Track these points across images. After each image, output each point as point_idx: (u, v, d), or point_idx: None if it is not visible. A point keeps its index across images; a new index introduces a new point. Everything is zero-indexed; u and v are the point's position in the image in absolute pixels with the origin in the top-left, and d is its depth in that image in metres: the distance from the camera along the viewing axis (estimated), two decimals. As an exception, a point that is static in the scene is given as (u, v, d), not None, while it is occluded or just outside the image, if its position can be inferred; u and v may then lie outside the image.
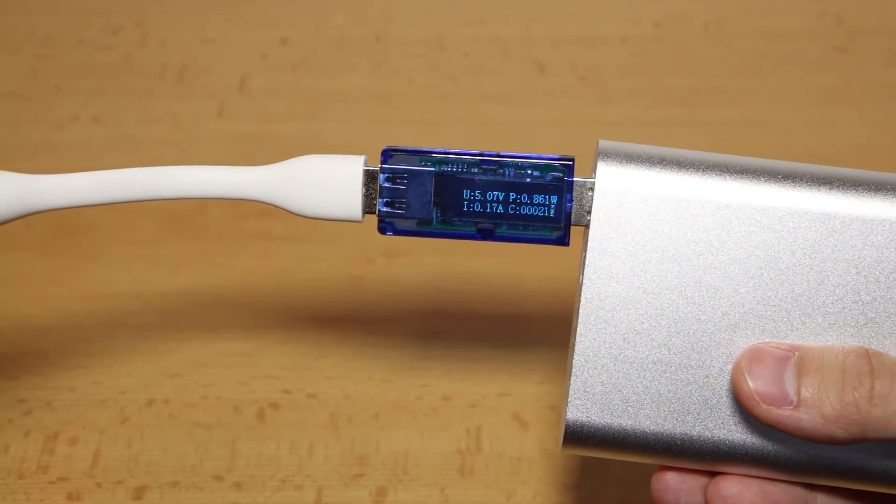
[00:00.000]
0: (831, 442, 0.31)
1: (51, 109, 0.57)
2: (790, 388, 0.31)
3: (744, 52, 0.59)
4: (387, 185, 0.33)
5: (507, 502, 0.42)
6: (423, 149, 0.34)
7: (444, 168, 0.34)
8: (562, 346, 0.47)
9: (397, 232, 0.34)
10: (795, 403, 0.31)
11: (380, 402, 0.45)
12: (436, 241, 0.50)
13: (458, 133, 0.56)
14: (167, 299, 0.49)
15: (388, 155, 0.34)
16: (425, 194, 0.33)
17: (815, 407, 0.31)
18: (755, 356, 0.32)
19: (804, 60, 0.59)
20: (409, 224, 0.34)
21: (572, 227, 0.33)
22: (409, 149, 0.34)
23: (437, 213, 0.33)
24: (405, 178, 0.34)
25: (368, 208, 0.33)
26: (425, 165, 0.34)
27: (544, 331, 0.47)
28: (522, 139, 0.56)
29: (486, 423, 0.44)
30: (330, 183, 0.34)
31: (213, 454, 0.43)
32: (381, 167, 0.33)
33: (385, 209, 0.33)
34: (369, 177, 0.33)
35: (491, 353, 0.46)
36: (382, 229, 0.34)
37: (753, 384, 0.31)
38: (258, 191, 0.34)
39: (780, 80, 0.58)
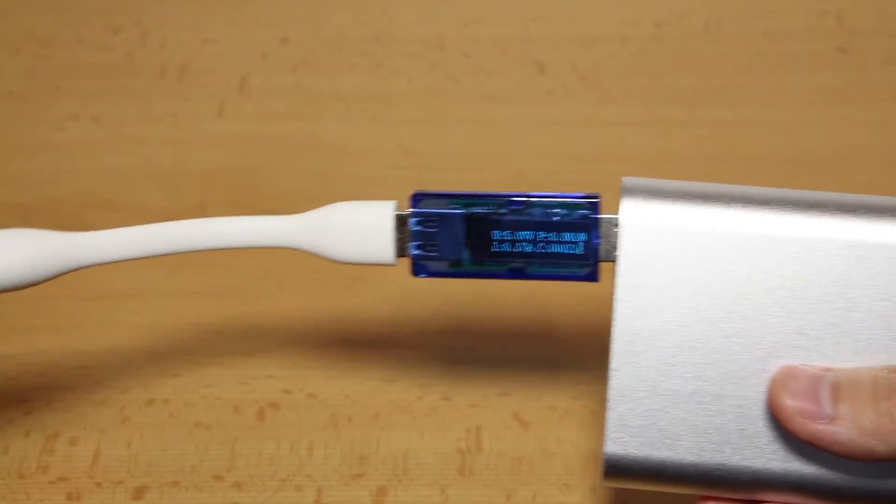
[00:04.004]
0: (870, 457, 0.31)
1: (51, 109, 0.57)
2: (825, 404, 0.31)
3: (744, 52, 0.59)
4: (418, 228, 0.34)
5: (507, 502, 0.42)
6: (452, 192, 0.34)
7: (473, 210, 0.34)
8: (562, 345, 0.47)
9: (430, 274, 0.35)
10: (831, 418, 0.31)
11: (380, 402, 0.45)
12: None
13: (458, 133, 0.56)
14: (167, 299, 0.49)
15: (417, 199, 0.34)
16: (456, 236, 0.34)
17: (850, 420, 0.31)
18: (790, 373, 0.32)
19: (804, 60, 0.59)
20: (442, 266, 0.35)
21: (601, 264, 0.34)
22: (439, 192, 0.34)
23: (468, 255, 0.34)
24: (435, 221, 0.34)
25: (401, 252, 0.34)
26: (454, 208, 0.34)
27: (544, 331, 0.47)
28: (522, 139, 0.56)
29: (486, 423, 0.44)
30: (362, 229, 0.35)
31: (213, 454, 0.43)
32: (411, 212, 0.34)
33: (417, 252, 0.34)
34: (400, 221, 0.34)
35: (491, 353, 0.46)
36: (416, 272, 0.35)
37: (789, 399, 0.32)
38: (293, 240, 0.35)
39: (780, 80, 0.58)
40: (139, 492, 0.42)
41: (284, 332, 0.47)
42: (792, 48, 0.60)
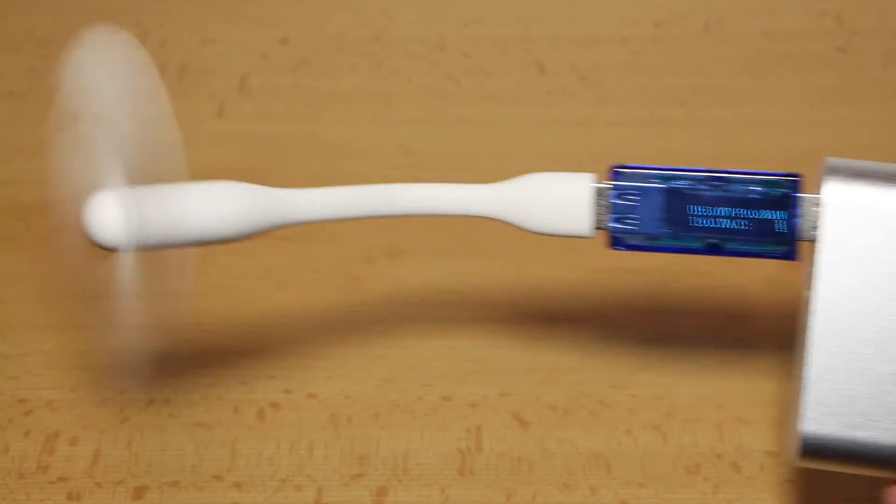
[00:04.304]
0: None
1: (50, 109, 0.57)
2: None
3: (744, 52, 0.59)
4: (617, 201, 0.34)
5: (507, 502, 0.42)
6: (652, 166, 0.34)
7: (673, 185, 0.34)
8: (561, 345, 0.47)
9: (628, 247, 0.35)
10: None
11: (380, 402, 0.45)
12: (435, 241, 0.50)
13: (458, 133, 0.56)
14: (167, 299, 0.49)
15: (617, 172, 0.34)
16: (655, 210, 0.34)
17: None
18: None
19: (804, 60, 0.59)
20: (639, 239, 0.35)
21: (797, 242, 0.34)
22: (639, 166, 0.34)
23: (665, 229, 0.34)
24: (635, 195, 0.34)
25: (598, 224, 0.35)
26: (654, 182, 0.34)
27: (544, 331, 0.47)
28: (522, 139, 0.56)
29: (486, 423, 0.44)
30: (561, 200, 0.35)
31: (213, 454, 0.43)
32: (611, 185, 0.34)
33: (615, 225, 0.34)
34: (599, 194, 0.34)
35: (491, 352, 0.46)
36: (613, 244, 0.35)
37: None
38: (490, 208, 0.35)
39: (780, 80, 0.58)
40: (139, 492, 0.42)
41: (284, 332, 0.47)
42: (792, 48, 0.60)
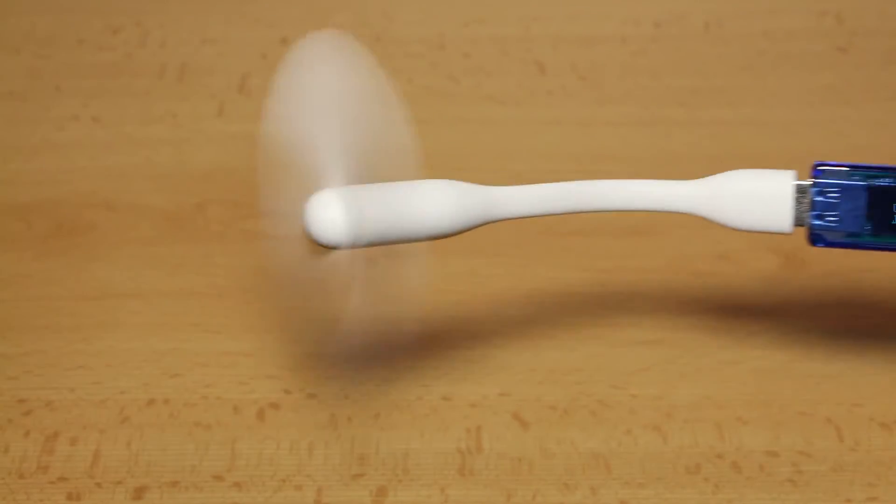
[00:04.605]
0: None
1: (50, 109, 0.57)
2: None
3: (744, 52, 0.59)
4: (819, 199, 0.35)
5: (507, 502, 0.42)
6: (855, 164, 0.35)
7: (877, 182, 0.35)
8: (561, 345, 0.47)
9: (828, 244, 0.35)
10: None
11: (380, 402, 0.45)
12: (435, 241, 0.50)
13: (458, 133, 0.56)
14: (167, 299, 0.49)
15: (819, 170, 0.35)
16: (857, 208, 0.35)
17: None
18: None
19: (804, 60, 0.59)
20: (839, 236, 0.35)
21: None
22: (841, 163, 0.35)
23: (869, 227, 0.35)
24: (837, 192, 0.35)
25: (798, 221, 0.35)
26: (857, 180, 0.35)
27: (544, 330, 0.47)
28: (522, 139, 0.56)
29: (486, 423, 0.44)
30: (761, 197, 0.35)
31: (213, 454, 0.43)
32: (813, 182, 0.35)
33: (817, 222, 0.35)
34: (800, 191, 0.35)
35: (491, 352, 0.46)
36: (813, 241, 0.35)
37: None
38: (691, 204, 0.36)
39: (780, 80, 0.58)
40: (139, 492, 0.42)
41: (284, 332, 0.47)
42: (792, 48, 0.60)
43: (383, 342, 0.47)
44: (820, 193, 0.35)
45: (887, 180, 0.35)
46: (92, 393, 0.45)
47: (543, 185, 0.37)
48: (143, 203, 0.53)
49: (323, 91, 0.37)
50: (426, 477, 0.43)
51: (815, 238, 0.35)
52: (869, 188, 0.35)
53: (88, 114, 0.57)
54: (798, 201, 0.35)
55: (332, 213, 0.35)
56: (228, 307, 0.48)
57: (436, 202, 0.36)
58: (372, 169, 0.36)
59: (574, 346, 0.46)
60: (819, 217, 0.35)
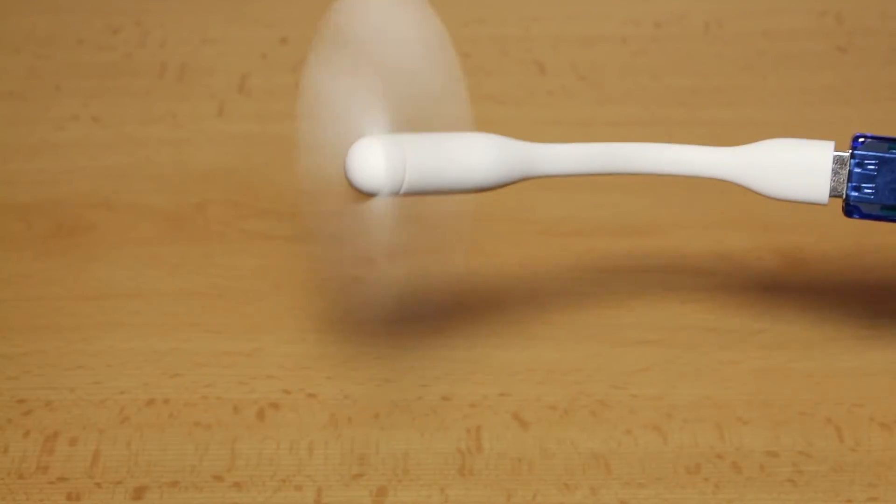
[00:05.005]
0: None
1: (50, 109, 0.57)
2: None
3: (744, 52, 0.59)
4: (857, 170, 0.35)
5: (507, 502, 0.42)
6: (894, 136, 0.35)
7: None
8: (561, 345, 0.47)
9: (863, 216, 0.35)
10: None
11: (380, 402, 0.45)
12: (435, 242, 0.50)
13: (458, 133, 0.56)
14: (167, 299, 0.49)
15: (858, 141, 0.35)
16: (893, 181, 0.35)
17: None
18: None
19: (804, 60, 0.59)
20: (875, 209, 0.35)
21: None
22: (880, 136, 0.35)
23: None
24: (875, 165, 0.35)
25: (834, 192, 0.35)
26: (895, 153, 0.35)
27: (545, 331, 0.47)
28: (523, 139, 0.55)
29: (486, 423, 0.44)
30: (799, 167, 0.35)
31: (213, 454, 0.43)
32: (851, 153, 0.35)
33: (854, 194, 0.35)
34: (839, 162, 0.35)
35: (491, 352, 0.46)
36: (849, 212, 0.35)
37: None
38: (731, 172, 0.36)
39: (780, 80, 0.58)
40: (139, 492, 0.42)
41: (284, 332, 0.47)
42: (792, 48, 0.60)
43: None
44: (859, 165, 0.35)
45: None
46: (92, 393, 0.45)
47: (585, 144, 0.37)
48: (143, 203, 0.53)
49: (368, 36, 0.37)
50: (426, 477, 0.43)
51: (852, 210, 0.35)
52: None
53: (88, 114, 0.57)
54: (835, 172, 0.35)
55: (373, 159, 0.35)
56: (228, 307, 0.48)
57: (478, 154, 0.36)
58: (419, 116, 0.36)
59: (574, 346, 0.46)
60: (856, 189, 0.35)
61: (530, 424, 0.44)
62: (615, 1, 0.62)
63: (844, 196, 0.35)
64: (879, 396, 0.44)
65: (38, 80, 0.59)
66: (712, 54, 0.59)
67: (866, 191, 0.35)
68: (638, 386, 0.45)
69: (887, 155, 0.35)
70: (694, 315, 0.47)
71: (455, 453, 0.43)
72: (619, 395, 0.44)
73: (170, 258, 0.50)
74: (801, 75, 0.58)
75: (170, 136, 0.56)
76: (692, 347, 0.46)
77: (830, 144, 0.35)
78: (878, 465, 0.42)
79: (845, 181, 0.35)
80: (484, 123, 0.57)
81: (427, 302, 0.48)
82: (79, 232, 0.51)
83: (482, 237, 0.50)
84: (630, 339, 0.46)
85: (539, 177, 0.37)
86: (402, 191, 0.35)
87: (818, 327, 0.46)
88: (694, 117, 0.56)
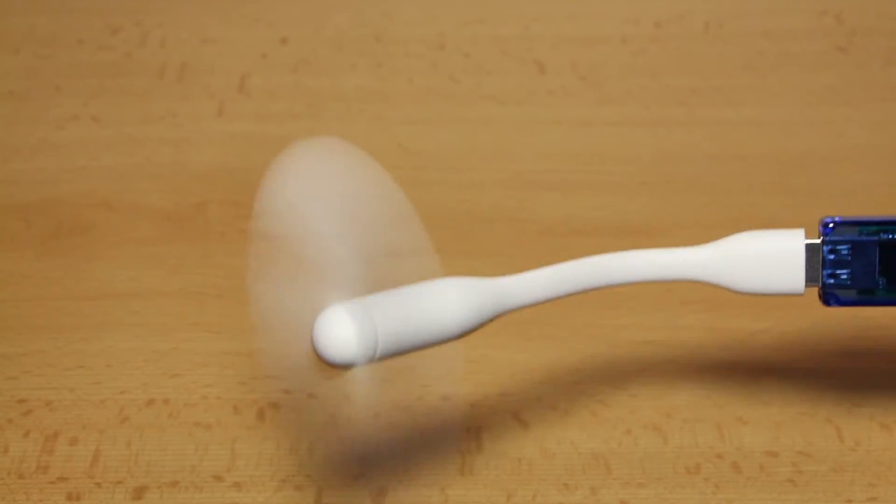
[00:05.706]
0: None
1: (50, 109, 0.57)
2: None
3: (744, 52, 0.59)
4: (830, 257, 0.34)
5: (507, 502, 0.42)
6: (862, 218, 0.34)
7: (888, 237, 0.34)
8: (561, 345, 0.47)
9: (841, 303, 0.35)
10: None
11: (380, 402, 0.45)
12: (435, 241, 0.50)
13: (458, 133, 0.56)
14: (167, 299, 0.49)
15: (829, 228, 0.34)
16: (869, 264, 0.34)
17: None
18: None
19: (804, 60, 0.59)
20: (852, 294, 0.34)
21: None
22: (849, 219, 0.34)
23: (882, 282, 0.34)
24: (848, 249, 0.34)
25: (811, 281, 0.35)
26: (867, 235, 0.34)
27: (545, 331, 0.47)
28: (522, 139, 0.56)
29: (486, 423, 0.44)
30: (772, 260, 0.35)
31: (213, 454, 0.43)
32: (823, 240, 0.34)
33: (830, 281, 0.34)
34: (812, 250, 0.34)
35: (491, 352, 0.46)
36: (826, 300, 0.35)
37: None
38: (701, 272, 0.35)
39: (780, 79, 0.58)
40: (139, 492, 0.42)
41: (284, 332, 0.47)
42: (792, 48, 0.60)
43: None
44: (832, 252, 0.34)
45: None
46: (92, 393, 0.45)
47: (549, 268, 0.36)
48: (143, 203, 0.53)
49: (319, 197, 0.36)
50: (426, 477, 0.43)
51: (828, 297, 0.35)
52: (879, 243, 0.34)
53: (88, 113, 0.57)
54: (809, 261, 0.34)
55: (342, 330, 0.33)
56: (228, 307, 0.48)
57: (452, 308, 0.35)
58: (379, 272, 0.35)
59: (574, 346, 0.46)
60: (832, 276, 0.34)
61: (530, 424, 0.44)
62: (615, 1, 0.62)
63: (821, 284, 0.35)
64: (879, 396, 0.44)
65: (38, 80, 0.59)
66: (712, 54, 0.59)
67: (842, 276, 0.34)
68: (638, 386, 0.45)
69: (858, 238, 0.34)
70: (694, 315, 0.47)
71: (455, 453, 0.43)
72: (619, 395, 0.44)
73: (170, 258, 0.50)
74: (801, 75, 0.58)
75: (169, 136, 0.56)
76: (692, 347, 0.46)
77: (801, 233, 0.35)
78: (878, 465, 0.42)
79: (820, 268, 0.34)
80: (484, 123, 0.57)
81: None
82: (79, 232, 0.51)
83: (483, 237, 0.50)
84: (630, 339, 0.46)
85: (512, 311, 0.36)
86: (375, 357, 0.34)
87: (818, 327, 0.46)
88: (694, 117, 0.56)
